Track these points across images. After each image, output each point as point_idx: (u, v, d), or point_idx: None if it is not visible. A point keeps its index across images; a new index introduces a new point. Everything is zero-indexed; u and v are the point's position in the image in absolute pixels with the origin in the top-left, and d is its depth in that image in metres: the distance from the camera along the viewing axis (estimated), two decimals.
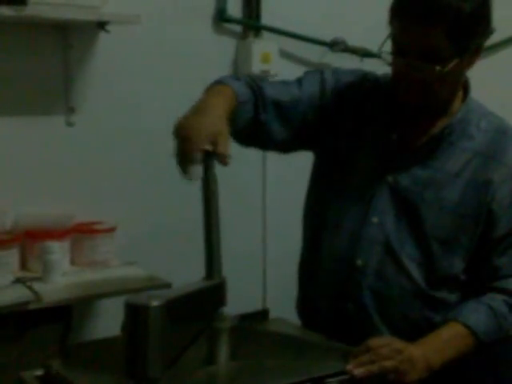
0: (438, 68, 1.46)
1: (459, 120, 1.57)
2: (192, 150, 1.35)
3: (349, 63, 2.92)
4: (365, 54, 2.93)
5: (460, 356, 1.50)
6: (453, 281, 1.57)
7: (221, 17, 2.71)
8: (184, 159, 1.36)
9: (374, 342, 1.41)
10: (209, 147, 1.36)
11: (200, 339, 1.39)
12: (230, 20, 2.73)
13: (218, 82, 1.57)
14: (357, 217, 1.58)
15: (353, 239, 1.58)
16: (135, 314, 1.24)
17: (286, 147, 1.71)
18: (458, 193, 1.53)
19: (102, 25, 2.40)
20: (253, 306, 2.61)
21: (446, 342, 1.49)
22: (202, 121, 1.39)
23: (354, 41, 2.92)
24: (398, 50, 1.50)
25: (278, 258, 2.88)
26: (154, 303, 1.23)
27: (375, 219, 1.57)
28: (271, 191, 2.90)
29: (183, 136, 1.37)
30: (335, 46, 2.90)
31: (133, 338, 1.24)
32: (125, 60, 2.54)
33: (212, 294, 1.41)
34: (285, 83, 1.67)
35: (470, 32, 1.47)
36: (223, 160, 1.37)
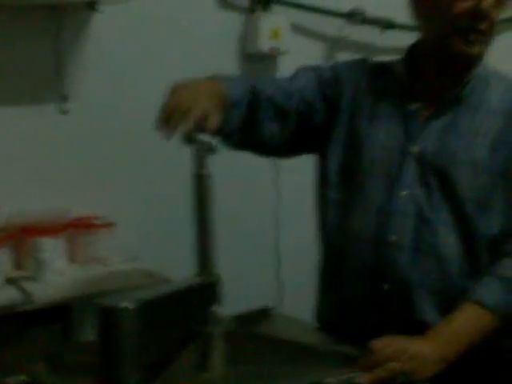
0: None
1: (479, 79, 1.56)
2: (186, 114, 1.39)
3: (368, 36, 2.75)
4: (386, 25, 2.75)
5: (481, 337, 1.45)
6: (493, 245, 1.53)
7: None
8: (175, 120, 1.40)
9: (376, 343, 1.39)
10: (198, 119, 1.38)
11: (193, 344, 1.35)
12: None
13: (211, 78, 1.56)
14: (383, 193, 1.56)
15: (382, 216, 1.55)
16: (107, 317, 1.19)
17: (284, 147, 1.68)
18: (487, 152, 1.52)
19: (91, 4, 2.26)
20: (266, 299, 2.46)
21: (459, 328, 1.44)
22: (199, 95, 1.44)
23: (373, 11, 2.73)
24: None
25: (292, 251, 2.71)
26: (127, 305, 1.17)
27: (404, 192, 1.54)
28: (284, 182, 2.72)
29: (180, 97, 1.44)
30: (353, 17, 2.71)
31: (106, 343, 1.20)
32: (121, 41, 2.40)
33: (203, 292, 1.36)
34: (279, 79, 1.71)
35: None
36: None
